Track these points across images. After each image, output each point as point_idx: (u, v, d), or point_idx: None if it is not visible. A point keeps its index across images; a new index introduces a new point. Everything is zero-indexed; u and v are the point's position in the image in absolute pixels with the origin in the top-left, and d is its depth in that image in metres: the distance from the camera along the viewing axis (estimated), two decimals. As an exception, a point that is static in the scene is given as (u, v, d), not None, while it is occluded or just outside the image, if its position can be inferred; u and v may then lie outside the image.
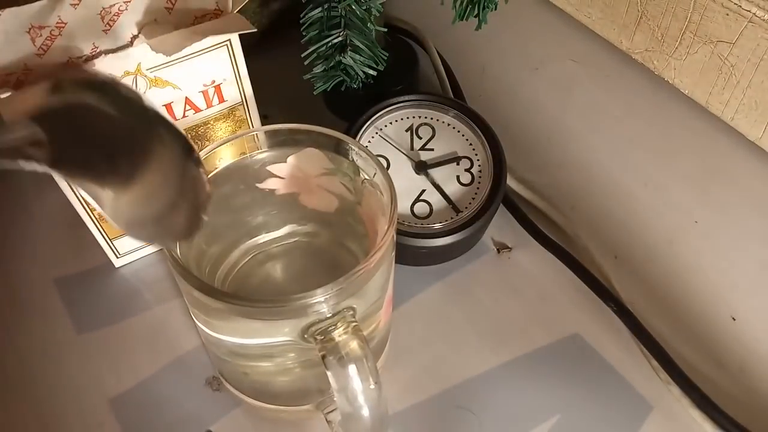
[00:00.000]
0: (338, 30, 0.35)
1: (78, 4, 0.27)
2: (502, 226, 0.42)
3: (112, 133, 0.16)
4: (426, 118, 0.41)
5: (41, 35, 0.27)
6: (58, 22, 0.27)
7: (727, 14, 0.26)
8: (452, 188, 0.39)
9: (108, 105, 0.16)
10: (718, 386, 0.34)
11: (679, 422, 0.34)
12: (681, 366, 0.34)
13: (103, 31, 0.29)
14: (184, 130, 0.35)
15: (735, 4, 0.26)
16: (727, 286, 0.35)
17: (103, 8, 0.28)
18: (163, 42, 0.29)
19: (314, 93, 0.38)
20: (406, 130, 0.40)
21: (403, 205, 0.38)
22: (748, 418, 0.32)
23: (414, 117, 0.41)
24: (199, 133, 0.35)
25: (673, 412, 0.34)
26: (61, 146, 0.15)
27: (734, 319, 0.35)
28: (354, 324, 0.25)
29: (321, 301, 0.24)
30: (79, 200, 0.34)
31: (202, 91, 0.33)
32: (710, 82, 0.29)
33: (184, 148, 0.17)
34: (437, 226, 0.37)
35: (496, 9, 0.36)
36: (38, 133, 0.15)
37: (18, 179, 0.43)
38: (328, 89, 0.38)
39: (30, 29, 0.27)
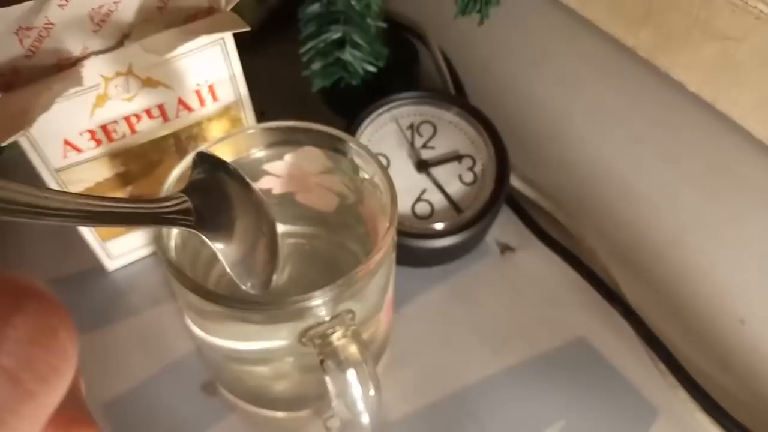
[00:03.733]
0: (337, 25, 0.35)
1: (66, 5, 0.27)
2: (505, 226, 0.42)
3: (224, 197, 0.21)
4: (427, 115, 0.41)
5: (29, 36, 0.27)
6: (45, 23, 0.27)
7: (734, 11, 0.27)
8: (454, 187, 0.39)
9: (225, 177, 0.21)
10: (725, 390, 0.34)
11: (686, 427, 0.34)
12: (688, 370, 0.34)
13: (93, 31, 0.29)
14: (177, 131, 0.35)
15: (741, 0, 0.26)
16: (735, 288, 0.35)
17: (92, 8, 0.28)
18: (154, 42, 0.29)
19: (312, 90, 0.38)
20: (407, 128, 0.41)
21: (404, 205, 0.38)
22: (756, 422, 0.32)
23: (415, 114, 0.41)
24: (193, 133, 0.35)
25: (680, 416, 0.34)
26: (201, 211, 0.20)
27: (743, 322, 0.35)
28: (353, 327, 0.25)
29: (319, 304, 0.24)
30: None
31: (196, 91, 0.34)
32: (717, 80, 0.29)
33: (253, 192, 0.22)
34: (439, 226, 0.37)
35: (498, 4, 0.36)
36: (186, 202, 0.20)
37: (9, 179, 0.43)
38: (327, 86, 0.38)
39: (18, 30, 0.27)
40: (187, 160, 0.27)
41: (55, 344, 0.11)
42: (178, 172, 0.27)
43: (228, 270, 0.22)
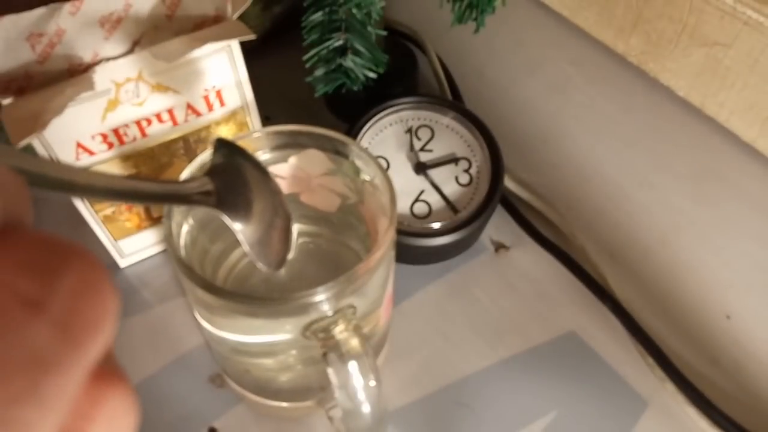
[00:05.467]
0: (339, 33, 0.35)
1: (76, 12, 0.27)
2: (499, 225, 0.41)
3: (242, 180, 0.22)
4: (425, 119, 0.40)
5: (41, 42, 0.27)
6: (57, 30, 0.27)
7: (722, 17, 0.26)
8: (451, 188, 0.38)
9: (244, 162, 0.22)
10: (712, 383, 0.34)
11: (674, 419, 0.33)
12: (676, 363, 0.34)
13: (104, 38, 0.29)
14: (186, 134, 0.35)
15: (730, 6, 0.26)
16: (721, 284, 0.35)
17: (103, 15, 0.28)
18: (163, 49, 0.29)
19: (315, 95, 0.38)
20: (406, 132, 0.40)
21: (403, 205, 0.38)
22: (742, 414, 0.32)
23: (413, 119, 0.41)
24: (201, 137, 0.35)
25: (668, 408, 0.34)
26: (221, 193, 0.21)
27: (729, 318, 0.35)
28: (354, 322, 0.25)
29: (322, 299, 0.24)
30: (83, 202, 0.34)
31: (204, 96, 0.33)
32: (706, 84, 0.29)
33: (270, 180, 0.22)
34: (436, 225, 0.37)
35: (494, 12, 0.36)
36: (208, 183, 0.21)
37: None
38: (330, 91, 0.38)
39: (30, 36, 0.27)
40: (199, 158, 0.27)
41: (99, 298, 0.11)
42: (188, 171, 0.27)
43: (246, 249, 0.22)
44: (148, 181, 0.18)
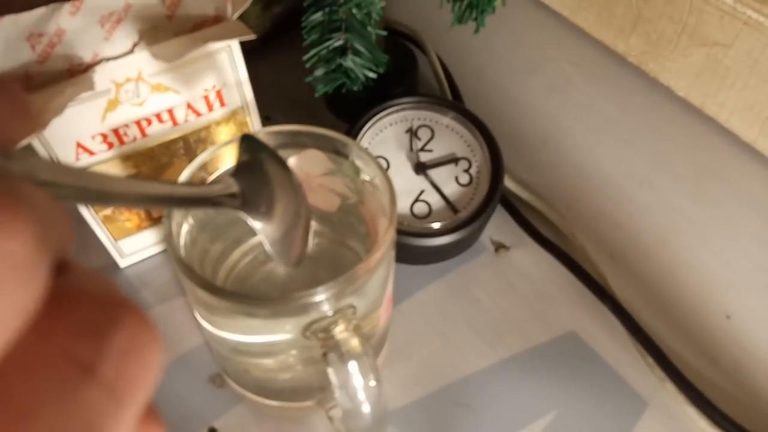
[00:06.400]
0: (339, 33, 0.35)
1: (76, 12, 0.27)
2: (499, 225, 0.41)
3: (266, 179, 0.21)
4: (425, 119, 0.40)
5: (41, 42, 0.27)
6: (57, 30, 0.27)
7: (722, 17, 0.26)
8: (451, 188, 0.38)
9: (269, 160, 0.21)
10: (712, 383, 0.34)
11: (674, 419, 0.33)
12: (676, 363, 0.34)
13: (104, 38, 0.29)
14: (186, 134, 0.34)
15: (730, 6, 0.26)
16: (721, 285, 0.35)
17: (103, 16, 0.28)
18: (163, 49, 0.29)
19: (315, 95, 0.38)
20: (406, 132, 0.40)
21: (403, 205, 0.38)
22: (741, 414, 0.32)
23: (413, 119, 0.40)
24: (201, 137, 0.35)
25: (668, 408, 0.34)
26: (246, 194, 0.21)
27: (729, 318, 0.34)
28: (354, 322, 0.25)
29: (322, 299, 0.24)
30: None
31: (204, 96, 0.33)
32: (706, 85, 0.29)
33: (292, 177, 0.21)
34: (436, 225, 0.37)
35: (494, 12, 0.36)
36: (234, 185, 0.20)
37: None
38: (330, 91, 0.38)
39: (30, 36, 0.27)
40: (199, 158, 0.27)
41: (146, 357, 0.12)
42: (188, 171, 0.27)
43: (268, 249, 0.22)
44: (176, 186, 0.18)
